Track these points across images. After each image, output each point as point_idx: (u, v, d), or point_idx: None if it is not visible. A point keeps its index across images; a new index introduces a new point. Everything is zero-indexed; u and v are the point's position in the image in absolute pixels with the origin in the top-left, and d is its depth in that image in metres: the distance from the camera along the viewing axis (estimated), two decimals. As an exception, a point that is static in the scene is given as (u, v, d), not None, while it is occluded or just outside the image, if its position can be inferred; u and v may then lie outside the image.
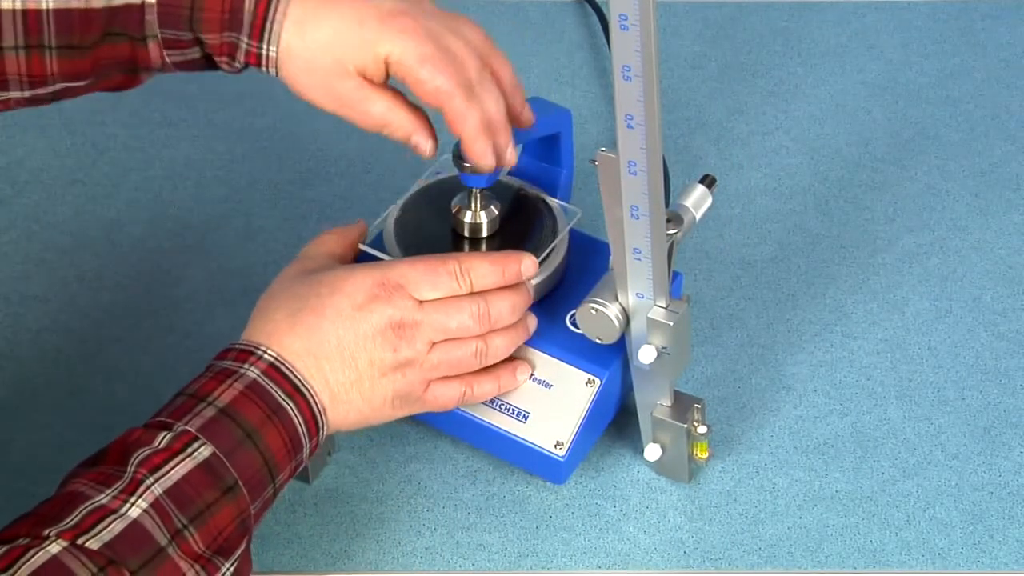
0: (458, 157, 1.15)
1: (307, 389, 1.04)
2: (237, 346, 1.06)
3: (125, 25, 1.09)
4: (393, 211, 1.19)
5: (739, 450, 1.21)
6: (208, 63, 1.13)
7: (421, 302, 1.08)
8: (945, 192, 1.40)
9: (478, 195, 1.18)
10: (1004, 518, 1.16)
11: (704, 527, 1.16)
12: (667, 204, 1.10)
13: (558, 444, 1.15)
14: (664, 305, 1.09)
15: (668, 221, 1.09)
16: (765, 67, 1.51)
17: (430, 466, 1.19)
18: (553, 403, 1.15)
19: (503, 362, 1.13)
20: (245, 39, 1.09)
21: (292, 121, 1.45)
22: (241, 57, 1.10)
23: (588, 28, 1.54)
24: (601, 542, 1.15)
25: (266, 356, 1.04)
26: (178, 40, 1.10)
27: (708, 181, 1.15)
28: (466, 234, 1.19)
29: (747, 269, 1.33)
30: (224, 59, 1.11)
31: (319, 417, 1.05)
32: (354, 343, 1.06)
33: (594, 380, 1.15)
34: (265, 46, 1.09)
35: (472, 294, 1.09)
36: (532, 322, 1.14)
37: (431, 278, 1.08)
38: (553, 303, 1.18)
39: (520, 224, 1.20)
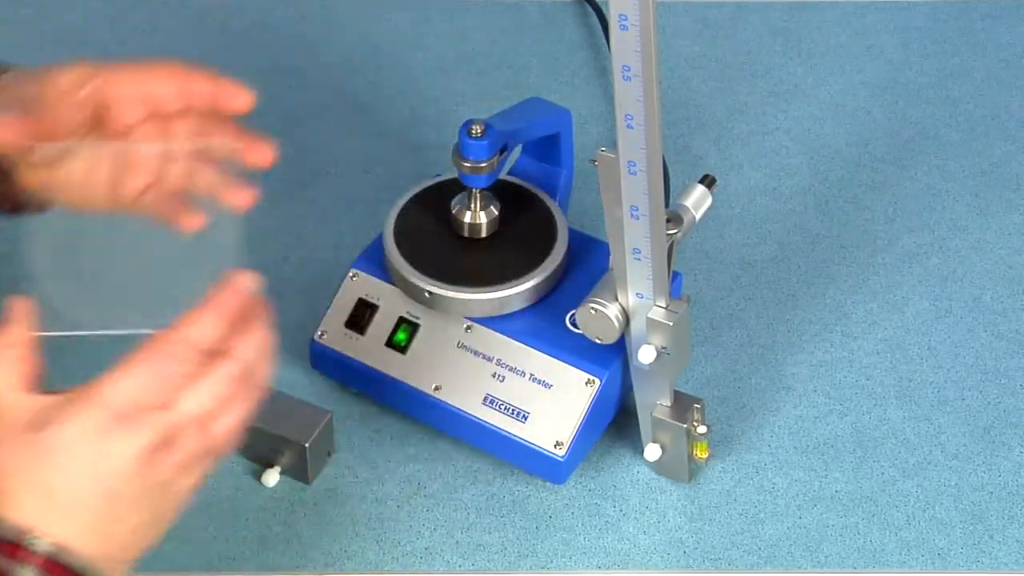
0: (458, 156, 1.15)
1: (95, 570, 0.90)
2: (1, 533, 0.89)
3: None
4: None
5: (739, 450, 1.21)
6: None
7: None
8: (945, 192, 1.40)
9: (477, 195, 1.18)
10: (1004, 518, 1.16)
11: (704, 527, 1.16)
12: (667, 204, 1.10)
13: (558, 444, 1.15)
14: (664, 305, 1.09)
15: (668, 221, 1.09)
16: (765, 67, 1.51)
17: (430, 466, 1.19)
18: (553, 403, 1.15)
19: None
20: None
21: (292, 121, 1.45)
22: None
23: (588, 28, 1.54)
24: (601, 542, 1.15)
25: (39, 546, 0.89)
26: None
27: (708, 181, 1.15)
28: (466, 235, 1.19)
29: (747, 269, 1.33)
30: None
31: None
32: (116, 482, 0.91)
33: (594, 380, 1.15)
34: None
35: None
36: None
37: (145, 379, 0.93)
38: (553, 303, 1.18)
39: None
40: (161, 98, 1.04)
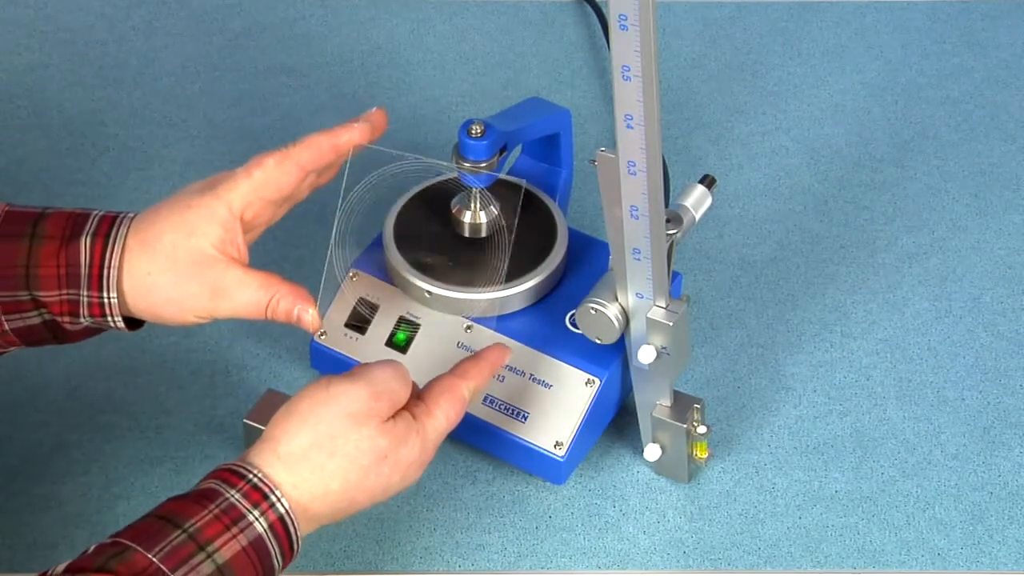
0: (458, 156, 1.15)
1: (300, 544, 0.99)
2: (253, 474, 0.98)
3: None
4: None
5: (739, 450, 1.21)
6: (48, 331, 1.06)
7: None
8: (945, 192, 1.40)
9: (477, 195, 1.18)
10: (1004, 518, 1.17)
11: (704, 527, 1.16)
12: (667, 204, 1.10)
13: (558, 444, 1.15)
14: (664, 305, 1.09)
15: (668, 221, 1.09)
16: (765, 67, 1.51)
17: (430, 466, 1.19)
18: (553, 403, 1.15)
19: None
20: (86, 292, 1.04)
21: (292, 121, 1.45)
22: (84, 311, 1.05)
23: (588, 28, 1.54)
24: (601, 542, 1.15)
25: (279, 506, 0.98)
26: (17, 302, 1.04)
27: (708, 181, 1.15)
28: (466, 235, 1.19)
29: (747, 269, 1.33)
30: (67, 319, 1.05)
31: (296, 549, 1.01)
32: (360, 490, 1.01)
33: (594, 380, 1.15)
34: (106, 294, 1.04)
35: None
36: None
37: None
38: (553, 303, 1.18)
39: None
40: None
